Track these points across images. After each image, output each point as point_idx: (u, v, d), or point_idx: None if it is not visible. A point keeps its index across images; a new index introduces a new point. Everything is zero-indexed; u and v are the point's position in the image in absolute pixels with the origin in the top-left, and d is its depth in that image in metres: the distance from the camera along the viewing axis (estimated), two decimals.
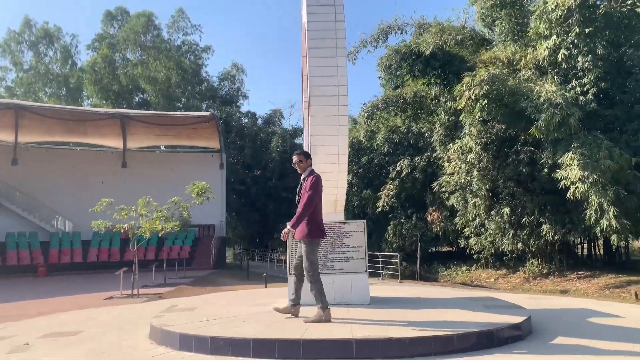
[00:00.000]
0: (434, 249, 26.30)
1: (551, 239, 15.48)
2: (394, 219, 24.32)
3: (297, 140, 43.33)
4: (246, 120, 45.49)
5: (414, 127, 21.00)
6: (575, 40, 14.02)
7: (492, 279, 19.21)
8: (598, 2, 14.65)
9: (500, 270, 19.79)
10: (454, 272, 21.44)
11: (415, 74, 17.09)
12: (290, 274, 6.00)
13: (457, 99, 14.13)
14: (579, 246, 19.75)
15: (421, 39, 18.36)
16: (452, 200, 16.54)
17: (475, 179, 15.69)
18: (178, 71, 40.57)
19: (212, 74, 52.46)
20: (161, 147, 35.54)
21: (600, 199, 12.29)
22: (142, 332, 5.99)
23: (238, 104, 47.88)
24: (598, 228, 12.87)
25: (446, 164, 16.61)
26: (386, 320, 5.26)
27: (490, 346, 4.59)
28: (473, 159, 15.54)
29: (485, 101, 13.56)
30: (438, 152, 19.38)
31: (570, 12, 13.60)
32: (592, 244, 19.68)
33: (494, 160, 15.84)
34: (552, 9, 13.44)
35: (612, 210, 12.31)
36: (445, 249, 28.17)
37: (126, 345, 5.41)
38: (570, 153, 12.61)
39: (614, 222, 12.35)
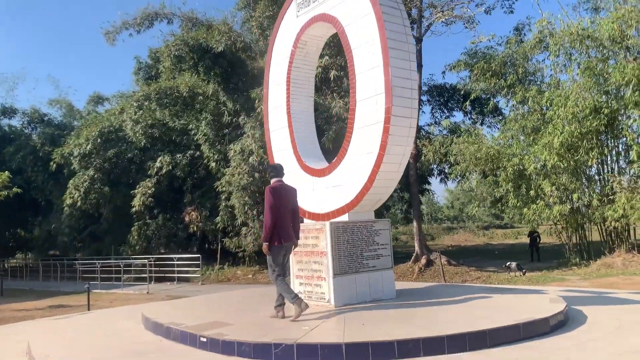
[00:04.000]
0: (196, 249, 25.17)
1: None
2: (138, 220, 22.44)
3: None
4: None
5: (176, 123, 19.95)
6: (343, 63, 16.39)
7: (250, 275, 20.23)
8: None
9: (254, 267, 20.97)
10: (209, 271, 21.34)
11: (198, 69, 16.41)
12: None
13: (257, 101, 14.46)
14: None
15: (194, 33, 17.89)
16: (234, 201, 16.61)
17: (256, 180, 16.28)
18: None
19: None
20: None
21: None
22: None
23: None
24: None
25: (231, 163, 16.51)
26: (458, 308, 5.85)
27: (563, 325, 5.19)
28: (255, 160, 16.12)
29: None
30: (205, 151, 19.09)
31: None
32: None
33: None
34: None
35: None
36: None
37: None
38: None
39: None
